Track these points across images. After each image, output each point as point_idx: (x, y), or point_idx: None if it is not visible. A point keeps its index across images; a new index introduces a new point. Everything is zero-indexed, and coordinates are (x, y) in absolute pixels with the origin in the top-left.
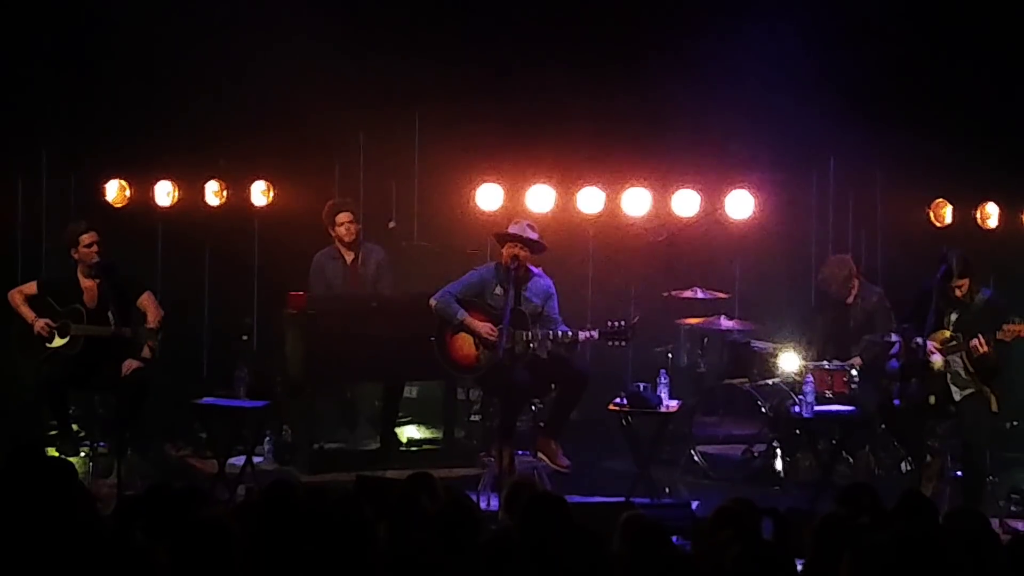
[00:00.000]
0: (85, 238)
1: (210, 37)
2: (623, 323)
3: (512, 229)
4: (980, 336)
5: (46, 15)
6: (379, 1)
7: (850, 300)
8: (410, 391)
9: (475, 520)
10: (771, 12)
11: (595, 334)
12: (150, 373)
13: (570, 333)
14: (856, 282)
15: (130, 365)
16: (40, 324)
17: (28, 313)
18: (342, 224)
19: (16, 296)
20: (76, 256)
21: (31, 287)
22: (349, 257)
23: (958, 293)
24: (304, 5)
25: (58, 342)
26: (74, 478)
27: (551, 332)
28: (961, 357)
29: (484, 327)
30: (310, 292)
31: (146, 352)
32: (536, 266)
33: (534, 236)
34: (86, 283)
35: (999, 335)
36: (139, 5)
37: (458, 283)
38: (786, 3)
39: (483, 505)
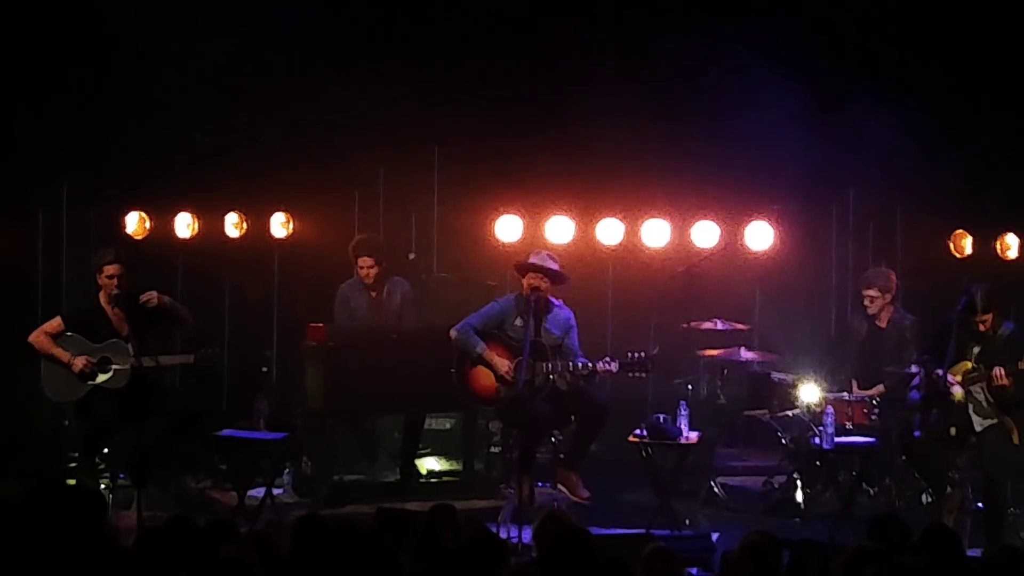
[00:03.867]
0: (108, 269)
1: (230, 71)
2: (643, 354)
3: (532, 259)
4: (1002, 367)
5: (67, 49)
6: (398, 36)
7: (883, 325)
8: (444, 423)
9: (501, 553)
10: (790, 45)
11: (615, 366)
12: (200, 404)
13: (590, 365)
14: (890, 304)
15: (150, 297)
16: (80, 363)
17: (62, 354)
18: (362, 268)
19: (42, 338)
20: (100, 282)
21: (56, 324)
22: (374, 290)
23: (981, 328)
24: (324, 41)
25: (101, 378)
26: (104, 509)
27: (571, 364)
28: (982, 388)
29: (503, 364)
30: (334, 322)
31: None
32: (556, 298)
33: (555, 266)
34: (111, 312)
35: (1021, 364)
36: (160, 40)
37: (478, 315)
38: (804, 38)
39: (503, 537)
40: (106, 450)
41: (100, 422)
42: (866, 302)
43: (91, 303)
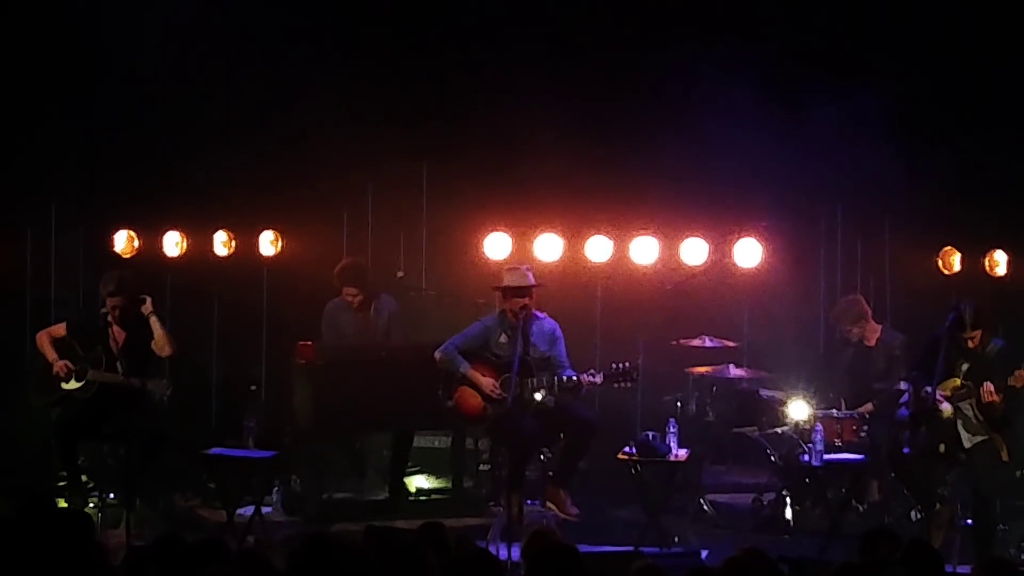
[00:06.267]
0: (109, 301)
1: (218, 90)
2: (627, 364)
3: (508, 281)
4: (990, 383)
5: (56, 68)
6: (387, 56)
7: (872, 343)
8: (434, 441)
9: (493, 571)
10: (774, 62)
11: (600, 377)
12: (165, 425)
13: (575, 378)
14: (868, 324)
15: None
16: (59, 365)
17: (50, 353)
18: (347, 295)
19: (43, 336)
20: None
21: (60, 328)
22: (361, 310)
23: (970, 344)
24: (312, 59)
25: (72, 385)
26: (91, 529)
27: (555, 378)
28: (971, 404)
29: (487, 383)
30: (322, 340)
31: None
32: (540, 310)
33: (531, 279)
34: (113, 329)
35: (1010, 380)
36: (148, 59)
37: (461, 335)
38: (789, 55)
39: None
40: (90, 468)
41: (63, 429)
42: (846, 335)
43: (98, 316)
